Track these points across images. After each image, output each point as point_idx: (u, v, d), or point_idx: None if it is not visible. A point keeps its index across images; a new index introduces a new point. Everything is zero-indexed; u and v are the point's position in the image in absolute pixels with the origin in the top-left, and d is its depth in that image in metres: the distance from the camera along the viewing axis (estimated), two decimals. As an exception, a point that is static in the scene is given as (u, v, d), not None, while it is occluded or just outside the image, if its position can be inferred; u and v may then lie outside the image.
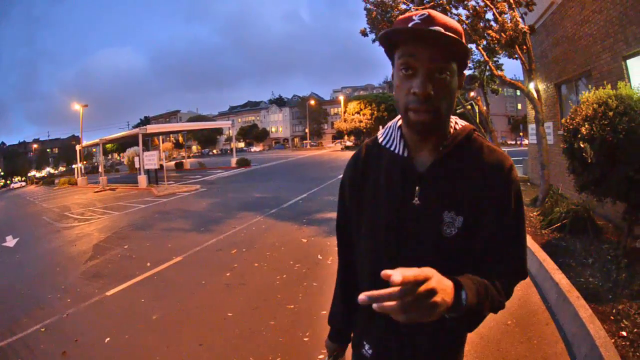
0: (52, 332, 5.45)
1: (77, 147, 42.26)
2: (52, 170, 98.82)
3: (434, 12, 1.22)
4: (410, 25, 1.21)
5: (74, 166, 55.67)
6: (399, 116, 1.40)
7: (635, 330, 3.93)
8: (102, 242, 10.84)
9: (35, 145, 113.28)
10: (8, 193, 49.98)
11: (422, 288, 0.97)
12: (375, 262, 1.44)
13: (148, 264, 8.07)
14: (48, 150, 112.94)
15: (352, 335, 1.73)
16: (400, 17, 1.28)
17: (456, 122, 1.40)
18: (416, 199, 1.34)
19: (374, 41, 14.36)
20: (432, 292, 0.98)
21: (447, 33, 1.16)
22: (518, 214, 1.32)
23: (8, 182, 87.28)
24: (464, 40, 1.23)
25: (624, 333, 3.91)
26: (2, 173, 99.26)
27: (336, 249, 1.77)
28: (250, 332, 4.92)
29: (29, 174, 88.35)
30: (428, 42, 1.18)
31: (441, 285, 1.03)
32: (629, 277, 5.08)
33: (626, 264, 5.42)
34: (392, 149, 1.43)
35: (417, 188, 1.34)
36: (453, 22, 1.23)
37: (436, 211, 1.31)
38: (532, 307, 5.05)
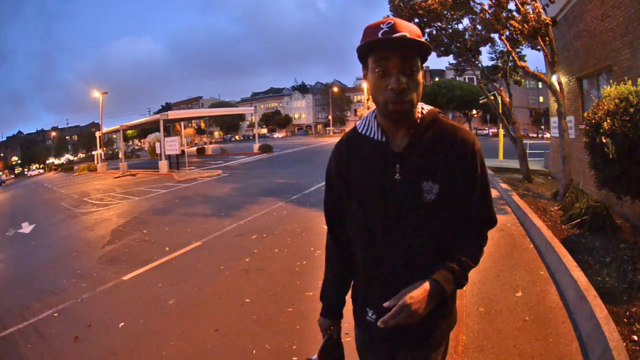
0: (65, 317, 5.47)
1: (97, 134, 42.77)
2: (71, 157, 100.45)
3: (397, 20, 1.51)
4: (380, 33, 1.49)
5: (93, 153, 56.38)
6: (372, 109, 1.76)
7: None
8: (121, 227, 10.92)
9: (53, 133, 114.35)
10: (25, 181, 50.98)
11: (404, 315, 1.45)
12: (368, 229, 1.72)
13: (167, 249, 8.07)
14: (67, 137, 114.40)
15: (353, 307, 1.93)
16: (369, 26, 1.56)
17: (422, 107, 1.68)
18: (397, 174, 1.62)
19: None
20: (414, 312, 1.45)
21: (412, 37, 1.47)
22: (483, 176, 1.64)
23: (26, 170, 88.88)
24: (421, 37, 1.52)
25: (636, 337, 3.88)
26: (19, 162, 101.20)
27: None
28: (267, 319, 4.87)
29: (47, 162, 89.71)
30: (398, 46, 1.48)
31: (417, 301, 1.47)
32: None
33: None
34: (371, 136, 1.71)
35: (397, 166, 1.63)
36: (412, 27, 1.53)
37: (416, 182, 1.60)
38: (550, 303, 4.94)
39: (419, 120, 1.64)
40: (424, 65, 1.63)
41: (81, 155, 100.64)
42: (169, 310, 5.35)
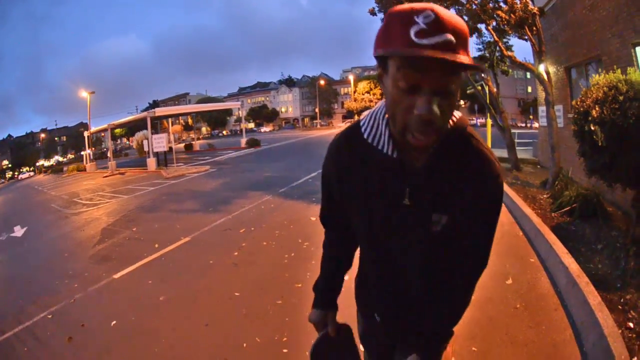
0: (59, 318, 5.42)
1: (86, 134, 42.35)
2: (60, 159, 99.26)
3: (440, 10, 1.06)
4: (412, 32, 1.05)
5: (82, 153, 55.87)
6: (383, 106, 1.38)
7: None
8: (111, 225, 10.85)
9: (42, 135, 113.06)
10: (16, 184, 50.44)
11: None
12: (371, 248, 1.59)
13: (156, 246, 8.04)
14: (56, 138, 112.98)
15: (358, 305, 1.85)
16: (396, 12, 1.12)
17: (453, 115, 1.33)
18: (407, 200, 1.36)
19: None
20: None
21: (461, 59, 1.05)
22: (495, 217, 1.40)
23: (16, 173, 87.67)
24: (468, 39, 1.13)
25: (631, 325, 3.85)
26: (9, 165, 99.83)
27: None
28: (257, 312, 4.87)
29: (37, 164, 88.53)
30: (439, 64, 1.05)
31: None
32: (637, 266, 4.99)
33: (635, 253, 5.32)
34: (379, 147, 1.37)
35: (407, 190, 1.36)
36: (460, 22, 1.09)
37: (425, 212, 1.37)
38: (541, 290, 4.96)
39: (443, 137, 1.28)
40: None
41: (70, 156, 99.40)
42: (160, 306, 5.34)
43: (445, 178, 1.33)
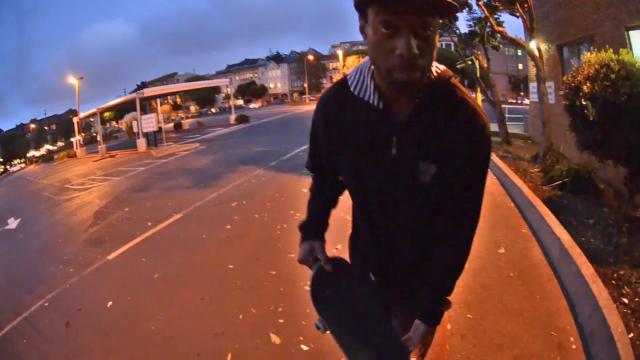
0: (56, 305, 5.34)
1: (75, 120, 41.81)
2: (50, 147, 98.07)
3: None
4: None
5: (72, 139, 55.21)
6: (368, 60, 1.39)
7: (637, 299, 3.84)
8: (103, 208, 10.72)
9: (32, 126, 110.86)
10: (8, 177, 49.95)
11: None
12: (361, 200, 1.60)
13: (149, 224, 7.96)
14: (46, 128, 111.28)
15: (352, 262, 1.79)
16: None
17: (435, 66, 1.37)
18: (394, 149, 1.38)
19: None
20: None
21: None
22: (484, 166, 1.41)
23: (8, 166, 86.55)
24: None
25: (626, 300, 3.83)
26: (1, 160, 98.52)
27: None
28: (252, 284, 4.85)
29: (28, 155, 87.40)
30: (415, 2, 1.11)
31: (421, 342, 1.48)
32: (630, 243, 4.96)
33: (627, 229, 5.29)
34: (366, 99, 1.40)
35: (394, 139, 1.38)
36: None
37: (412, 161, 1.38)
38: (533, 260, 4.96)
39: (428, 87, 1.33)
40: None
41: (60, 143, 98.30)
42: (155, 284, 5.30)
43: (431, 127, 1.35)
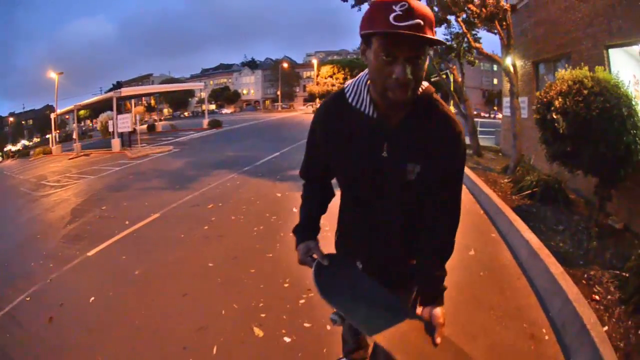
0: (38, 299, 5.22)
1: (52, 115, 40.62)
2: (27, 142, 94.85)
3: (412, 1, 1.35)
4: (392, 17, 1.33)
5: (48, 136, 53.56)
6: (365, 75, 1.65)
7: (610, 297, 3.94)
8: (80, 205, 10.51)
9: (11, 119, 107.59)
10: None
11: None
12: (355, 196, 1.86)
13: (126, 223, 7.88)
14: (23, 122, 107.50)
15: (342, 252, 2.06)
16: (379, 2, 1.40)
17: (422, 84, 1.61)
18: (385, 152, 1.64)
19: (352, 7, 14.33)
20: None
21: (429, 37, 1.36)
22: (460, 167, 1.71)
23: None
24: (434, 26, 1.44)
25: (597, 297, 3.94)
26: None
27: None
28: (232, 281, 4.90)
29: (5, 149, 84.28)
30: (411, 39, 1.35)
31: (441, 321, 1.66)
32: (600, 247, 5.09)
33: (597, 233, 5.45)
34: (362, 109, 1.65)
35: (385, 144, 1.64)
36: (428, 10, 1.39)
37: (401, 162, 1.64)
38: (503, 261, 5.14)
39: (414, 100, 1.57)
40: None
41: (36, 139, 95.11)
42: (136, 280, 5.28)
43: (416, 134, 1.62)
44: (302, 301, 4.30)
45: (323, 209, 2.05)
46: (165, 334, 3.92)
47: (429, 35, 1.36)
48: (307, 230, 1.97)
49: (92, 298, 4.88)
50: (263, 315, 4.07)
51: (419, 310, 1.77)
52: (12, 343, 4.27)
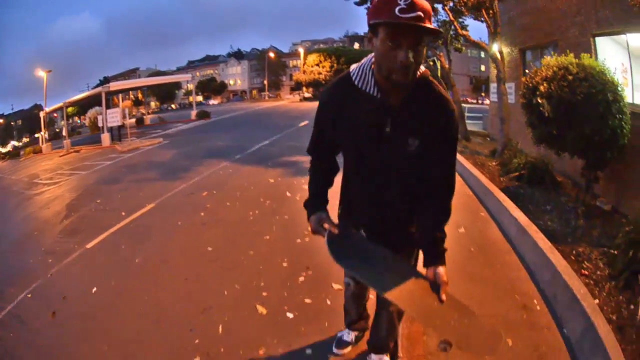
0: (39, 295, 5.10)
1: (41, 114, 39.81)
2: (16, 143, 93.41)
3: None
4: (397, 10, 1.53)
5: (37, 135, 52.70)
6: (369, 60, 1.83)
7: (599, 272, 3.97)
8: (74, 200, 10.35)
9: (0, 121, 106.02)
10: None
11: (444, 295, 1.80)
12: (360, 168, 2.05)
13: (123, 214, 7.79)
14: (12, 123, 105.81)
15: (341, 223, 2.21)
16: None
17: (419, 69, 1.79)
18: (388, 128, 1.84)
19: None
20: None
21: (429, 26, 1.56)
22: (453, 139, 1.90)
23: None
24: (432, 17, 1.63)
25: (586, 272, 3.97)
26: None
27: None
28: (232, 263, 4.90)
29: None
30: (414, 29, 1.55)
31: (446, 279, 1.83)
32: (588, 226, 5.13)
33: (584, 212, 5.49)
34: (367, 90, 1.82)
35: (389, 120, 1.83)
36: (427, 5, 1.59)
37: (402, 137, 1.84)
38: (492, 238, 5.20)
39: (413, 83, 1.74)
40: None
41: (25, 139, 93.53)
42: (137, 268, 5.24)
43: (415, 112, 1.81)
44: (301, 279, 4.32)
45: (330, 182, 2.23)
46: (171, 317, 3.90)
47: (428, 25, 1.56)
48: (317, 202, 2.15)
49: (95, 289, 4.82)
50: (265, 294, 4.08)
51: (423, 271, 1.92)
52: (17, 342, 4.14)
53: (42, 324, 4.34)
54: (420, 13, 1.54)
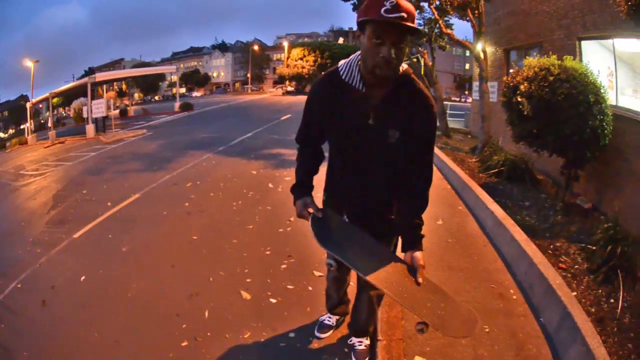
0: (29, 285, 5.06)
1: (28, 105, 38.80)
2: (2, 134, 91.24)
3: (399, 0, 1.67)
4: (382, 10, 1.65)
5: (22, 126, 51.49)
6: (356, 57, 1.94)
7: (577, 267, 4.05)
8: (61, 191, 10.21)
9: None
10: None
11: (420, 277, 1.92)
12: (345, 157, 2.16)
13: (109, 204, 7.76)
14: None
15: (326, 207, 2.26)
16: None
17: (402, 66, 1.92)
18: (371, 120, 1.95)
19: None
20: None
21: (409, 24, 1.68)
22: (432, 132, 2.02)
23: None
24: (415, 18, 1.75)
25: (564, 266, 4.05)
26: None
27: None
28: (217, 251, 4.98)
29: (-20, 144, 79.87)
30: (397, 27, 1.68)
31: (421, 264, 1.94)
32: (566, 222, 5.20)
33: (562, 208, 5.56)
34: (353, 84, 1.94)
35: (371, 113, 1.94)
36: (411, 7, 1.71)
37: (384, 129, 1.96)
38: (469, 231, 5.29)
39: (395, 79, 1.89)
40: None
41: (11, 131, 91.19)
42: (124, 256, 5.27)
43: (396, 106, 1.93)
44: (283, 266, 4.42)
45: (316, 169, 2.32)
46: (158, 303, 3.96)
47: (410, 25, 1.68)
48: (303, 188, 2.24)
49: (83, 277, 4.83)
50: (249, 280, 4.18)
51: (401, 255, 2.03)
52: (8, 331, 4.08)
53: (32, 313, 4.31)
54: (403, 14, 1.65)
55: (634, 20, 4.97)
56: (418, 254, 1.96)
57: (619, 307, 3.36)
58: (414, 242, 2.01)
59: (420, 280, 1.89)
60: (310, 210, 2.11)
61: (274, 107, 32.46)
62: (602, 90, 5.33)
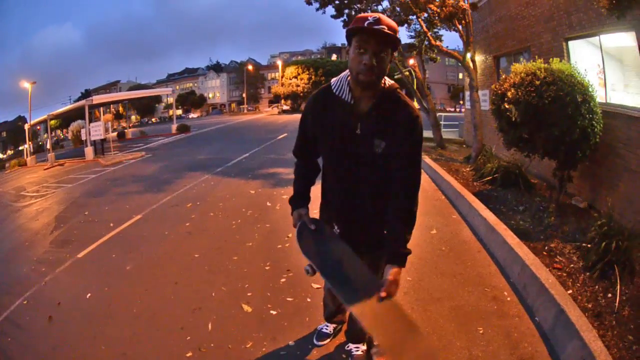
0: (35, 302, 5.16)
1: (26, 126, 38.83)
2: (0, 155, 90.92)
3: (382, 17, 1.89)
4: (366, 23, 1.86)
5: (21, 148, 51.29)
6: (347, 74, 2.10)
7: (572, 265, 4.15)
8: (62, 212, 10.36)
9: None
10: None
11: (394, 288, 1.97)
12: (335, 166, 2.27)
13: (111, 225, 7.90)
14: None
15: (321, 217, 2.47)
16: (359, 16, 1.94)
17: (386, 80, 2.09)
18: (358, 130, 2.08)
19: (317, 10, 14.65)
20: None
21: (388, 32, 1.85)
22: (418, 143, 2.10)
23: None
24: (397, 34, 1.91)
25: (559, 266, 4.15)
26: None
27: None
28: (218, 268, 5.12)
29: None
30: (376, 36, 1.86)
31: (394, 287, 1.95)
32: (561, 223, 5.29)
33: (555, 209, 5.66)
34: (342, 96, 2.11)
35: (359, 124, 2.08)
36: (392, 23, 1.90)
37: (370, 138, 2.07)
38: (463, 238, 5.47)
39: (381, 92, 2.05)
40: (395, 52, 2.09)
41: (10, 152, 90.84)
42: (129, 274, 5.40)
43: (383, 117, 2.06)
44: (283, 280, 4.59)
45: (312, 181, 2.48)
46: (163, 318, 4.09)
47: (391, 36, 1.86)
48: (299, 200, 2.40)
49: (89, 294, 4.94)
50: (249, 294, 4.34)
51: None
52: (14, 345, 4.19)
53: (39, 328, 4.42)
54: (384, 26, 1.85)
55: (616, 14, 5.13)
56: (395, 269, 1.99)
57: (617, 301, 3.46)
58: (395, 256, 2.04)
59: (383, 294, 1.87)
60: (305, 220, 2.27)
61: (270, 126, 32.73)
62: (590, 89, 5.41)
